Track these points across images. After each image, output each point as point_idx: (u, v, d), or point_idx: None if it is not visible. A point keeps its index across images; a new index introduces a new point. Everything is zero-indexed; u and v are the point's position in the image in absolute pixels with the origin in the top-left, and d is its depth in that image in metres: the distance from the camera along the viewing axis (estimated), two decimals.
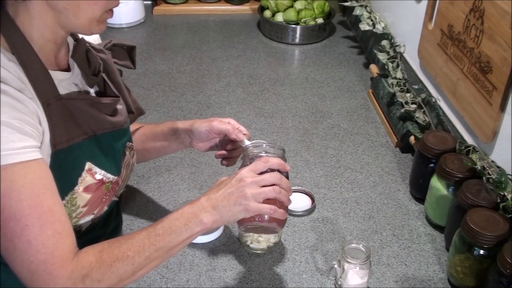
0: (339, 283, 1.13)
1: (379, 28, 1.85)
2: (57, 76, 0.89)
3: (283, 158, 0.99)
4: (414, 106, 1.53)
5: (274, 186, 0.91)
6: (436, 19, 1.47)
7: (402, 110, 1.53)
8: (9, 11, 0.84)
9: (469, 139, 1.33)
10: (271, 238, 1.21)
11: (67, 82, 0.91)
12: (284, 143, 1.59)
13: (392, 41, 1.80)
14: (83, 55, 0.95)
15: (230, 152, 1.14)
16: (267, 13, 2.20)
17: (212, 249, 1.23)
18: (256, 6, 2.33)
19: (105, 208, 0.99)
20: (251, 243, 1.21)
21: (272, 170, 0.94)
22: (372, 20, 1.90)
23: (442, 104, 1.47)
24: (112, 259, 0.83)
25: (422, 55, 1.57)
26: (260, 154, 0.98)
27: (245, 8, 2.40)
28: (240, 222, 0.93)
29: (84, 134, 0.91)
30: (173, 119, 1.67)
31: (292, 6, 2.18)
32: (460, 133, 1.36)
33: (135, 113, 1.11)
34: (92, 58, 0.96)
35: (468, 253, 1.09)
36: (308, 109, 1.75)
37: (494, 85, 1.17)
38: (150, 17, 2.33)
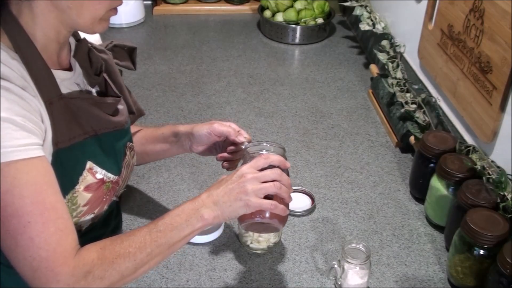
0: (339, 283, 1.13)
1: (379, 28, 1.86)
2: (59, 76, 0.89)
3: (284, 157, 0.99)
4: (414, 106, 1.53)
5: (275, 182, 0.91)
6: (436, 19, 1.47)
7: (402, 110, 1.53)
8: (13, 10, 0.84)
9: (469, 139, 1.33)
10: (271, 238, 1.21)
11: (69, 81, 0.92)
12: (284, 143, 1.59)
13: (392, 41, 1.80)
14: (85, 55, 0.96)
15: (231, 155, 1.13)
16: (267, 13, 2.20)
17: (212, 249, 1.23)
18: (256, 6, 2.33)
19: (105, 207, 0.99)
20: (251, 243, 1.21)
21: (272, 167, 0.94)
22: (372, 20, 1.90)
23: (442, 104, 1.47)
24: (114, 256, 0.83)
25: (422, 55, 1.57)
26: (261, 152, 0.98)
27: (245, 8, 2.40)
28: (241, 219, 0.93)
29: (86, 133, 0.91)
30: (173, 120, 1.67)
31: (292, 6, 2.18)
32: (460, 133, 1.36)
33: (135, 113, 1.12)
34: (94, 58, 0.97)
35: (468, 253, 1.09)
36: (308, 109, 1.75)
37: (494, 85, 1.17)
38: (150, 17, 2.33)
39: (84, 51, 0.95)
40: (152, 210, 1.33)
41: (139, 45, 2.12)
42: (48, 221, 0.79)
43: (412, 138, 1.49)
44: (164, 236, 0.87)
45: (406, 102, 1.54)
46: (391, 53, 1.75)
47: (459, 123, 1.38)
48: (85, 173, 0.91)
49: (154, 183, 1.42)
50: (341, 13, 2.39)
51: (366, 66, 1.98)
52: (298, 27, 2.13)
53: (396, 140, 1.57)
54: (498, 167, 1.18)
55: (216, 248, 1.23)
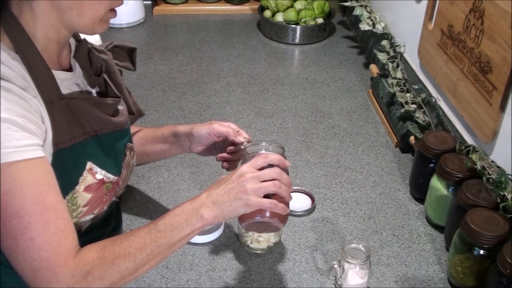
0: (339, 283, 1.13)
1: (379, 28, 1.86)
2: (60, 76, 0.89)
3: (283, 156, 0.99)
4: (414, 106, 1.53)
5: (274, 181, 0.91)
6: (436, 19, 1.47)
7: (402, 110, 1.53)
8: (13, 10, 0.84)
9: (469, 139, 1.33)
10: (271, 238, 1.21)
11: (69, 82, 0.92)
12: (284, 143, 1.59)
13: (392, 41, 1.80)
14: (85, 55, 0.96)
15: (231, 155, 1.13)
16: (267, 13, 2.20)
17: (212, 249, 1.23)
18: (256, 6, 2.33)
19: (105, 208, 0.99)
20: (251, 243, 1.21)
21: (272, 166, 0.94)
22: (372, 20, 1.90)
23: (442, 104, 1.47)
24: (114, 256, 0.83)
25: (422, 55, 1.57)
26: (260, 152, 0.98)
27: (245, 8, 2.40)
28: (241, 218, 0.93)
29: (86, 133, 0.91)
30: (173, 120, 1.67)
31: (292, 6, 2.18)
32: (460, 133, 1.36)
33: (135, 114, 1.12)
34: (94, 58, 0.97)
35: (468, 253, 1.09)
36: (308, 109, 1.75)
37: (494, 85, 1.17)
38: (150, 17, 2.33)
39: (84, 52, 0.96)
40: (152, 210, 1.33)
41: (139, 45, 2.12)
42: (48, 222, 0.79)
43: (412, 138, 1.49)
44: (164, 236, 0.87)
45: (406, 102, 1.54)
46: (391, 53, 1.75)
47: (459, 123, 1.38)
48: (85, 173, 0.91)
49: (154, 183, 1.42)
50: (341, 13, 2.39)
51: (366, 66, 1.98)
52: (298, 27, 2.13)
53: (396, 140, 1.57)
54: (498, 167, 1.18)
55: (216, 248, 1.23)
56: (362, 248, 1.10)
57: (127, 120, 1.03)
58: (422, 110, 1.51)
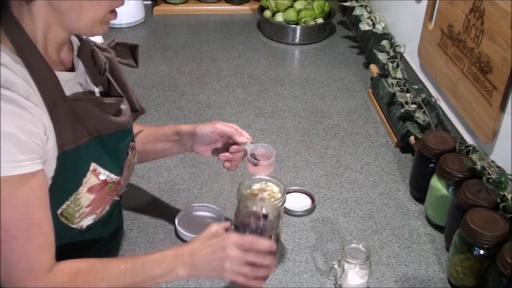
0: (339, 283, 1.13)
1: (379, 28, 1.86)
2: (63, 77, 0.89)
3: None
4: (414, 106, 1.53)
5: (252, 269, 0.91)
6: (436, 19, 1.47)
7: (402, 110, 1.53)
8: (14, 13, 0.84)
9: (469, 139, 1.33)
10: None
11: (72, 82, 0.92)
12: (284, 143, 1.59)
13: (392, 41, 1.80)
14: (88, 54, 0.95)
15: (233, 155, 1.14)
16: (267, 13, 2.20)
17: None
18: (256, 6, 2.33)
19: (107, 208, 1.00)
20: None
21: (262, 231, 0.95)
22: (372, 20, 1.90)
23: (442, 104, 1.47)
24: (84, 286, 0.85)
25: (422, 55, 1.57)
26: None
27: (245, 8, 2.40)
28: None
29: (90, 134, 0.92)
30: (173, 120, 1.67)
31: (292, 6, 2.18)
32: (460, 133, 1.36)
33: (139, 110, 1.12)
34: (98, 57, 0.97)
35: (468, 253, 1.09)
36: (308, 109, 1.75)
37: (494, 85, 1.17)
38: (150, 17, 2.33)
39: (87, 51, 0.95)
40: (152, 210, 1.33)
41: (139, 45, 2.11)
42: (31, 237, 0.81)
43: (412, 138, 1.49)
44: (137, 282, 0.89)
45: (406, 102, 1.54)
46: (391, 53, 1.75)
47: (459, 123, 1.38)
48: (88, 174, 0.92)
49: (154, 183, 1.42)
50: (341, 13, 2.39)
51: (366, 66, 1.98)
52: (298, 27, 2.13)
53: (396, 140, 1.57)
54: (498, 167, 1.18)
55: None
56: (362, 248, 1.10)
57: (130, 119, 1.03)
58: (422, 110, 1.51)
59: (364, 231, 1.29)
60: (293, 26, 2.13)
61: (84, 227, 0.97)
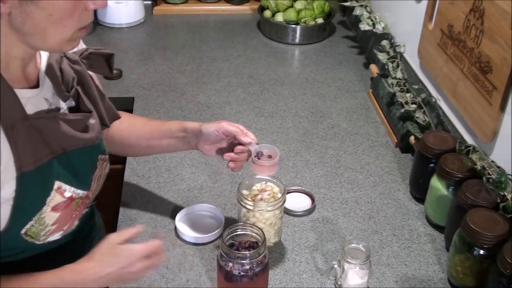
0: (339, 283, 1.13)
1: (379, 28, 1.85)
2: (25, 95, 0.85)
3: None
4: (414, 106, 1.53)
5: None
6: (436, 19, 1.47)
7: (402, 110, 1.53)
8: None
9: (469, 139, 1.33)
10: (271, 238, 1.21)
11: (36, 98, 0.88)
12: (284, 143, 1.59)
13: (392, 41, 1.80)
14: (56, 69, 0.91)
15: (238, 155, 1.14)
16: (267, 13, 2.20)
17: (212, 249, 1.23)
18: (256, 6, 2.33)
19: (76, 222, 0.98)
20: None
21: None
22: (372, 20, 1.90)
23: (442, 104, 1.47)
24: None
25: (422, 55, 1.57)
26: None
27: (245, 8, 2.40)
28: None
29: (53, 152, 0.88)
30: (173, 120, 1.67)
31: (292, 6, 2.18)
32: (460, 133, 1.36)
33: (109, 125, 1.06)
34: (66, 71, 0.92)
35: (468, 253, 1.09)
36: (308, 109, 1.75)
37: (494, 85, 1.17)
38: (150, 17, 2.33)
39: (55, 65, 0.91)
40: (152, 210, 1.33)
41: (139, 45, 2.12)
42: None
43: (412, 138, 1.49)
44: None
45: (406, 102, 1.54)
46: (391, 53, 1.75)
47: (459, 123, 1.38)
48: (52, 193, 0.89)
49: (154, 183, 1.42)
50: (341, 13, 2.39)
51: (366, 66, 1.98)
52: (298, 27, 2.13)
53: (396, 140, 1.58)
54: (498, 167, 1.18)
55: (216, 248, 1.23)
56: (362, 248, 1.10)
57: (98, 134, 0.98)
58: (422, 110, 1.51)
59: (364, 231, 1.29)
60: (293, 26, 2.13)
61: (51, 241, 0.95)
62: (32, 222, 0.88)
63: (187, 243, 1.24)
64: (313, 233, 1.28)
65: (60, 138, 0.89)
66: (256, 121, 1.68)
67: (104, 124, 1.04)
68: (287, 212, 1.32)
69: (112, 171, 1.81)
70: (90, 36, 2.13)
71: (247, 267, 1.04)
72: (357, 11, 1.96)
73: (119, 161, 1.65)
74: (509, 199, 1.09)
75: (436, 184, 1.26)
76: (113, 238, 0.95)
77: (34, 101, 0.87)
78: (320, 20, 2.17)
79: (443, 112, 1.46)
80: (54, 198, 0.90)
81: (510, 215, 1.08)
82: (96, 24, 2.21)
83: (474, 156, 1.25)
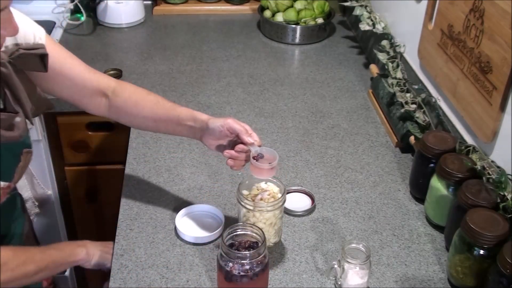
0: (339, 283, 1.13)
1: (379, 28, 1.85)
2: None
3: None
4: (414, 106, 1.53)
5: None
6: (436, 19, 1.47)
7: (402, 110, 1.53)
8: None
9: (469, 139, 1.33)
10: (271, 238, 1.21)
11: None
12: (284, 143, 1.59)
13: (392, 41, 1.80)
14: None
15: (238, 154, 1.14)
16: (267, 13, 2.20)
17: (212, 249, 1.23)
18: (256, 6, 2.33)
19: None
20: None
21: None
22: (372, 20, 1.90)
23: (442, 104, 1.47)
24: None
25: (422, 55, 1.57)
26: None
27: (245, 8, 2.40)
28: None
29: None
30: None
31: (292, 6, 2.18)
32: (460, 133, 1.36)
33: (31, 122, 1.11)
34: None
35: (468, 253, 1.09)
36: (308, 109, 1.75)
37: (494, 85, 1.17)
38: (150, 17, 2.33)
39: None
40: (152, 210, 1.33)
41: (139, 45, 2.12)
42: None
43: (412, 138, 1.49)
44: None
45: (406, 102, 1.54)
46: (391, 53, 1.75)
47: (459, 123, 1.38)
48: None
49: (154, 183, 1.42)
50: (341, 13, 2.39)
51: (366, 66, 1.98)
52: (298, 27, 2.13)
53: (396, 140, 1.57)
54: (498, 167, 1.18)
55: (216, 248, 1.23)
56: (362, 248, 1.10)
57: (23, 133, 1.04)
58: (422, 110, 1.51)
59: (364, 231, 1.29)
60: (293, 26, 2.13)
61: None
62: None
63: (187, 243, 1.24)
64: (313, 233, 1.28)
65: None
66: (256, 121, 1.68)
67: (29, 117, 1.08)
68: (287, 212, 1.32)
69: (112, 171, 1.82)
70: (90, 36, 2.14)
71: (247, 267, 1.04)
72: (357, 11, 1.96)
73: (119, 161, 1.65)
74: (509, 199, 1.09)
75: (436, 184, 1.26)
76: None
77: None
78: (320, 20, 2.17)
79: (443, 112, 1.46)
80: None
81: (510, 215, 1.08)
82: (96, 24, 2.21)
83: (474, 156, 1.25)
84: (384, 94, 1.68)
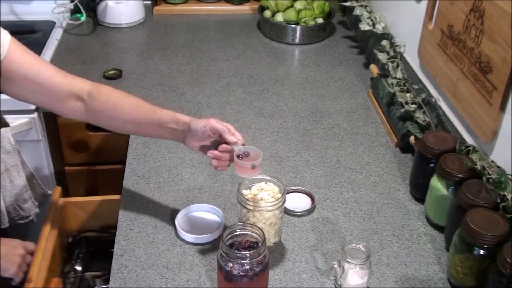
0: (339, 283, 1.13)
1: (379, 28, 1.86)
2: None
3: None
4: (414, 106, 1.53)
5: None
6: (436, 19, 1.47)
7: (402, 110, 1.53)
8: None
9: (469, 139, 1.33)
10: (271, 238, 1.21)
11: None
12: (284, 143, 1.59)
13: (392, 41, 1.80)
14: None
15: (222, 153, 1.13)
16: (267, 13, 2.20)
17: (212, 249, 1.23)
18: (256, 6, 2.33)
19: None
20: None
21: None
22: (372, 20, 1.90)
23: (442, 104, 1.47)
24: None
25: (422, 55, 1.57)
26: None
27: (245, 8, 2.40)
28: None
29: None
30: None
31: (292, 6, 2.18)
32: (460, 133, 1.36)
33: None
34: None
35: (468, 253, 1.09)
36: (308, 109, 1.75)
37: (494, 85, 1.17)
38: (150, 17, 2.33)
39: None
40: (152, 210, 1.33)
41: (139, 45, 2.12)
42: None
43: (412, 138, 1.49)
44: None
45: (406, 102, 1.54)
46: (391, 53, 1.75)
47: (459, 123, 1.38)
48: None
49: (154, 183, 1.42)
50: (341, 13, 2.39)
51: (366, 66, 1.98)
52: (298, 27, 2.13)
53: (396, 140, 1.58)
54: (498, 167, 1.18)
55: (216, 248, 1.23)
56: (362, 248, 1.10)
57: None
58: (422, 110, 1.51)
59: (364, 231, 1.29)
60: (293, 26, 2.13)
61: None
62: None
63: (187, 243, 1.24)
64: (313, 233, 1.28)
65: None
66: (256, 121, 1.68)
67: None
68: (287, 212, 1.32)
69: (112, 171, 1.82)
70: (90, 36, 2.14)
71: (247, 267, 1.04)
72: (357, 11, 1.96)
73: (119, 161, 1.65)
74: (509, 199, 1.09)
75: (436, 184, 1.26)
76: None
77: None
78: (320, 20, 2.17)
79: (443, 112, 1.46)
80: None
81: (510, 215, 1.08)
82: (96, 24, 2.21)
83: (474, 156, 1.25)
84: (384, 94, 1.68)
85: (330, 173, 1.47)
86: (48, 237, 1.36)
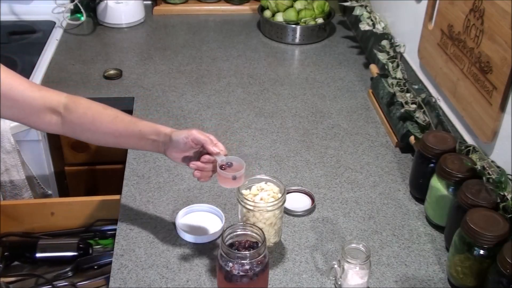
0: (339, 283, 1.13)
1: (379, 28, 1.86)
2: None
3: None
4: (414, 106, 1.53)
5: None
6: (436, 19, 1.47)
7: (402, 110, 1.53)
8: None
9: (469, 139, 1.33)
10: (271, 238, 1.21)
11: None
12: (284, 143, 1.59)
13: (392, 41, 1.80)
14: None
15: (205, 164, 1.12)
16: (267, 13, 2.20)
17: (212, 249, 1.23)
18: (256, 6, 2.33)
19: None
20: None
21: None
22: (372, 20, 1.90)
23: (442, 104, 1.47)
24: None
25: (422, 55, 1.57)
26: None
27: (245, 8, 2.40)
28: None
29: None
30: (173, 120, 1.67)
31: (292, 6, 2.18)
32: (460, 133, 1.37)
33: None
34: None
35: (468, 253, 1.09)
36: (308, 109, 1.75)
37: (494, 85, 1.17)
38: (150, 17, 2.33)
39: None
40: (152, 210, 1.33)
41: (139, 45, 2.12)
42: None
43: (412, 138, 1.49)
44: None
45: (406, 102, 1.54)
46: (391, 53, 1.75)
47: (459, 123, 1.38)
48: None
49: (154, 183, 1.42)
50: (341, 13, 2.39)
51: (366, 66, 1.98)
52: (298, 27, 2.13)
53: (396, 140, 1.58)
54: (498, 167, 1.18)
55: (216, 248, 1.23)
56: (362, 248, 1.10)
57: None
58: (422, 110, 1.51)
59: (364, 231, 1.29)
60: (293, 26, 2.13)
61: None
62: None
63: (187, 243, 1.24)
64: (313, 233, 1.28)
65: None
66: (256, 121, 1.68)
67: None
68: (287, 212, 1.32)
69: (112, 171, 1.82)
70: (90, 36, 2.14)
71: (247, 267, 1.04)
72: (357, 11, 1.96)
73: (119, 161, 1.65)
74: (509, 199, 1.09)
75: (436, 184, 1.26)
76: None
77: None
78: (320, 20, 2.17)
79: (443, 112, 1.46)
80: None
81: (510, 215, 1.08)
82: (96, 24, 2.21)
83: (474, 156, 1.25)
84: (384, 94, 1.68)
85: (330, 173, 1.47)
86: None
